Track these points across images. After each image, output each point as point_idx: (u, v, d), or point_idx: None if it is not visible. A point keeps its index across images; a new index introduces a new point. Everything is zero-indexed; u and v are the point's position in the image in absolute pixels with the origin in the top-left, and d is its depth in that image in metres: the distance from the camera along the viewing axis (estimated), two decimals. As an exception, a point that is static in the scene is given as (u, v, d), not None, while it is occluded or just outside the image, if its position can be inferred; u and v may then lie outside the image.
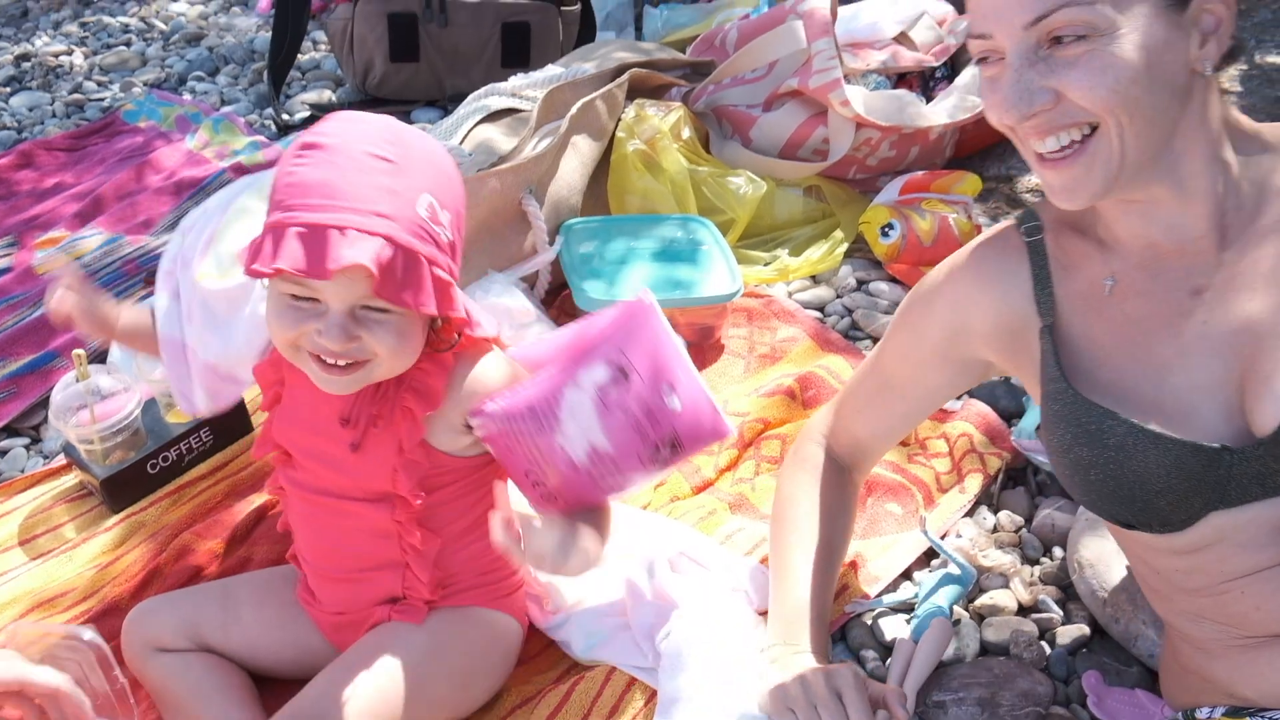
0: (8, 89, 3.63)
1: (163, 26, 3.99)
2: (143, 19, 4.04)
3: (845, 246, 2.60)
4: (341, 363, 1.34)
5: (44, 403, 2.20)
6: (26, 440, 2.23)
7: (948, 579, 1.77)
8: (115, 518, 1.97)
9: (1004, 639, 1.70)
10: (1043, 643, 1.70)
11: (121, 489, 1.98)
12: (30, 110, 3.48)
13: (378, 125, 1.35)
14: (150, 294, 2.45)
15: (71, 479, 2.06)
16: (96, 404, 1.96)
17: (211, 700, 1.56)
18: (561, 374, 1.41)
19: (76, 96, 3.55)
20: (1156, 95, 1.16)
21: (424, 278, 1.30)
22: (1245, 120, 1.31)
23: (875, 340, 2.35)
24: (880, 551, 1.86)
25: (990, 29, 1.17)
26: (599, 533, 1.48)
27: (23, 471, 2.13)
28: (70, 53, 3.83)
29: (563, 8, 3.35)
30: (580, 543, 1.40)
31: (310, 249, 1.25)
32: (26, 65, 3.74)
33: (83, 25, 4.01)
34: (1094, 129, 1.18)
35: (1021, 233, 1.41)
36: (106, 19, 4.02)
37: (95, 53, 3.84)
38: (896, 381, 1.60)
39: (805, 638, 1.52)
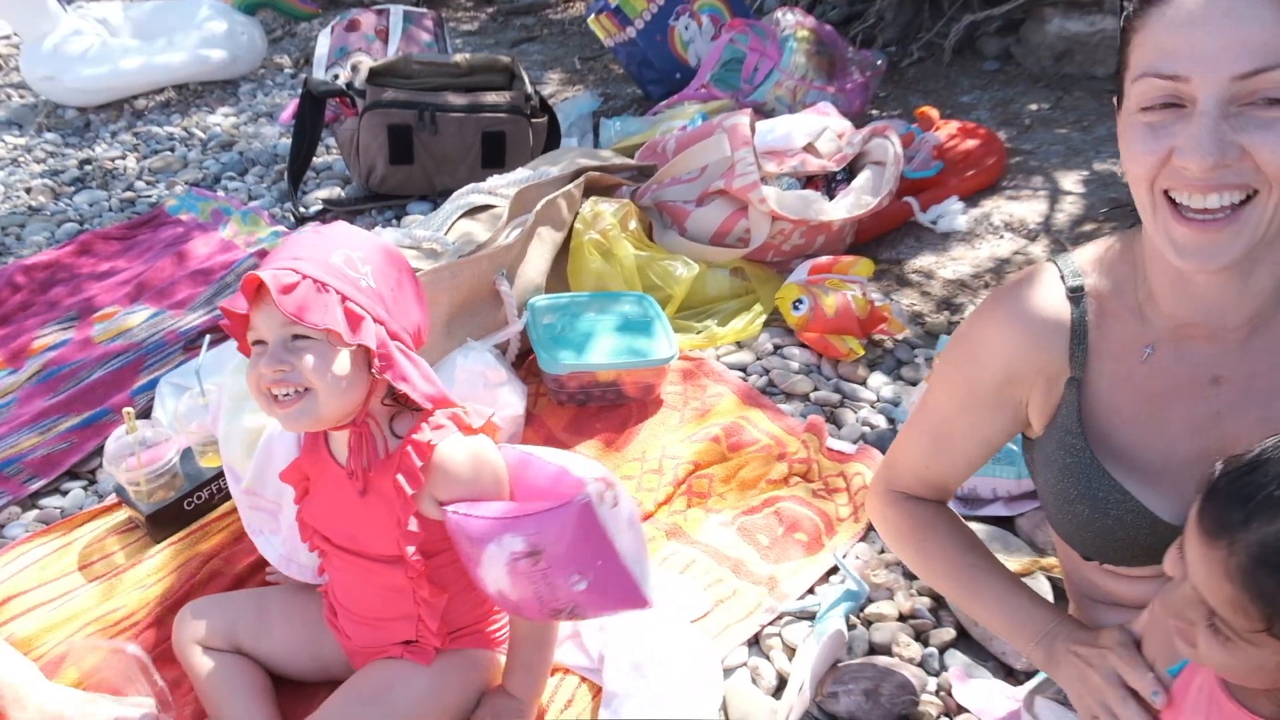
0: (71, 188, 3.62)
1: (201, 135, 3.99)
2: (185, 129, 4.04)
3: (764, 318, 2.59)
4: (282, 392, 1.34)
5: (99, 451, 2.20)
6: (84, 483, 2.24)
7: (846, 594, 1.81)
8: (158, 547, 1.96)
9: (887, 640, 1.72)
10: (918, 643, 1.72)
11: (163, 522, 1.98)
12: (90, 206, 3.48)
13: (326, 223, 1.42)
14: (187, 360, 2.48)
15: (121, 515, 2.05)
16: (143, 452, 1.96)
17: (238, 696, 1.56)
18: (494, 527, 1.34)
19: (129, 194, 3.55)
20: None
21: (331, 304, 1.30)
22: None
23: (789, 395, 2.37)
24: (791, 574, 1.87)
25: (1189, 72, 0.97)
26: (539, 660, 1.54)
27: (81, 509, 2.13)
28: (124, 157, 3.83)
29: (533, 120, 3.36)
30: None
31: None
32: (88, 168, 3.74)
33: (135, 134, 4.01)
34: (1249, 197, 1.01)
35: (1066, 286, 1.21)
36: (155, 129, 4.03)
37: (145, 157, 3.84)
38: (952, 434, 1.34)
39: (1048, 618, 1.28)
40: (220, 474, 2.04)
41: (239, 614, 1.64)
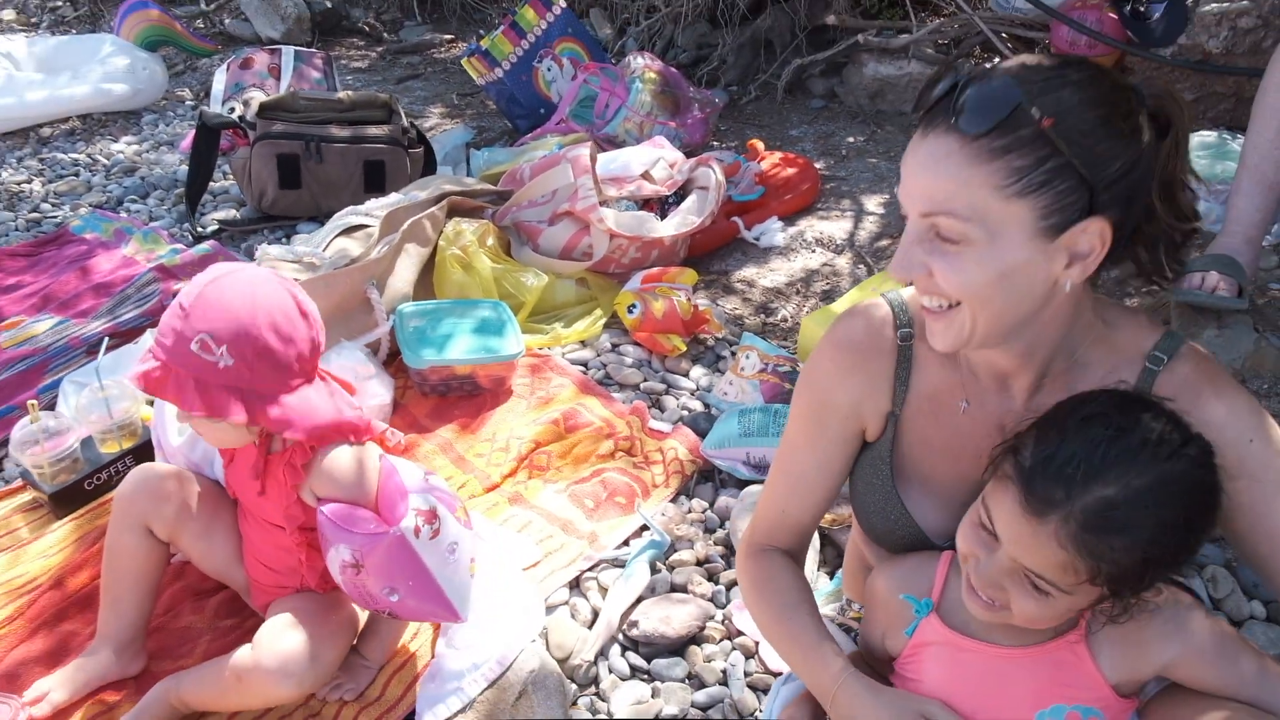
0: (-23, 209, 3.65)
1: (105, 161, 4.02)
2: (89, 155, 4.06)
3: (604, 320, 2.78)
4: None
5: (4, 441, 2.29)
6: (-9, 470, 2.30)
7: (651, 544, 2.02)
8: (60, 522, 2.07)
9: (684, 581, 1.93)
10: (709, 582, 1.94)
11: (65, 501, 2.08)
12: (-3, 226, 3.52)
13: (202, 277, 1.50)
14: (89, 362, 2.57)
15: (27, 495, 2.14)
16: (45, 440, 2.07)
17: (133, 586, 1.71)
18: (335, 534, 1.50)
19: (35, 215, 3.56)
20: (1009, 298, 1.12)
21: (187, 388, 1.44)
22: (1105, 301, 1.26)
23: (622, 386, 2.56)
24: (609, 530, 2.07)
25: (903, 205, 1.14)
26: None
27: (-12, 492, 2.19)
28: (30, 181, 3.84)
29: (410, 150, 3.48)
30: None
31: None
32: (-6, 191, 3.77)
33: (41, 160, 4.01)
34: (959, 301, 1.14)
35: (897, 336, 1.33)
36: (60, 155, 4.04)
37: (50, 181, 3.86)
38: (805, 470, 1.41)
39: (840, 672, 1.30)
40: (117, 459, 2.17)
41: (194, 510, 1.73)
